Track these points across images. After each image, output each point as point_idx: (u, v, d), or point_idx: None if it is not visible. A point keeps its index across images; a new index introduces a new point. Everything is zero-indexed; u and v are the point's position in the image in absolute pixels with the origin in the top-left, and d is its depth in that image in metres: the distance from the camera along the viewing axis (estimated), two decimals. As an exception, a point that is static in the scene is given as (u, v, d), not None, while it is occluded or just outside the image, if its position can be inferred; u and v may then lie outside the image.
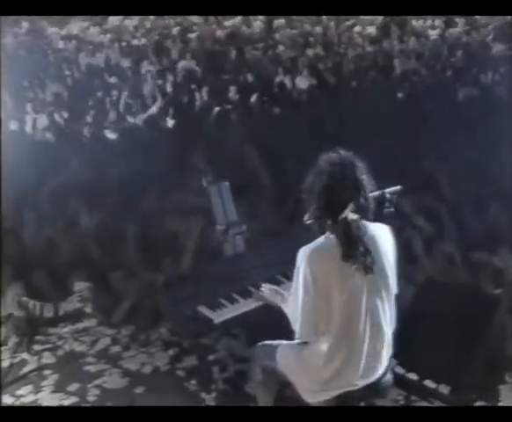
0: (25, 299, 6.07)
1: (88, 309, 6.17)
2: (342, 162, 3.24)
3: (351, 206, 3.18)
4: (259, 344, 3.76)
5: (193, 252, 5.97)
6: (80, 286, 6.20)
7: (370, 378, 3.36)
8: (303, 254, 3.25)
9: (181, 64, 12.80)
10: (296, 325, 3.35)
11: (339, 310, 3.22)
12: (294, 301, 3.34)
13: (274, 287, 3.86)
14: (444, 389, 4.61)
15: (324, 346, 3.30)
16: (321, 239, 3.25)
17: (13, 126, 10.40)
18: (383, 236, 3.33)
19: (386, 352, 3.40)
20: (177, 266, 5.94)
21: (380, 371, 3.39)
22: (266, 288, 3.87)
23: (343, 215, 3.16)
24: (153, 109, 10.95)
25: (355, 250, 3.16)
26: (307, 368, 3.40)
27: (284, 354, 3.56)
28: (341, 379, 3.33)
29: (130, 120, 10.73)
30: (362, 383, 3.35)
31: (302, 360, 3.43)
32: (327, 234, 3.25)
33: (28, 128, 10.58)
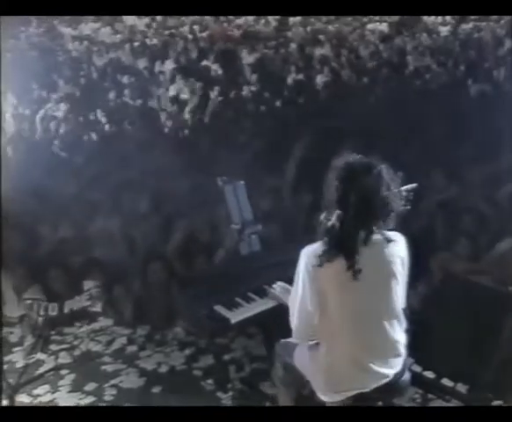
0: (28, 302, 6.10)
1: (97, 308, 6.18)
2: (377, 173, 3.18)
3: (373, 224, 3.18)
4: (282, 341, 3.75)
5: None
6: (89, 285, 6.21)
7: (383, 380, 3.34)
8: (303, 254, 3.24)
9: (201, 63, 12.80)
10: (293, 323, 3.37)
11: (341, 314, 3.21)
12: (293, 300, 3.36)
13: (287, 285, 3.85)
14: (462, 388, 4.60)
15: (328, 351, 3.30)
16: (325, 240, 3.20)
17: (24, 127, 10.45)
18: (392, 247, 3.25)
19: (395, 354, 3.37)
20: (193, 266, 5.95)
21: (392, 373, 3.36)
22: (278, 286, 3.86)
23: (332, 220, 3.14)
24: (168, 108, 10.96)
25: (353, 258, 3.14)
26: (321, 369, 3.38)
27: (300, 354, 3.55)
28: (348, 383, 3.32)
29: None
30: (374, 385, 3.33)
31: (316, 360, 3.41)
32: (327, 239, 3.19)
33: (40, 129, 10.60)
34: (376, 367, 3.29)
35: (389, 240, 3.25)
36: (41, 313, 6.05)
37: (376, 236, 3.22)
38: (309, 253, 3.22)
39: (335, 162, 3.25)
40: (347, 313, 3.22)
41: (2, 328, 5.73)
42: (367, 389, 3.32)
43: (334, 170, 3.22)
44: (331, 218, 3.19)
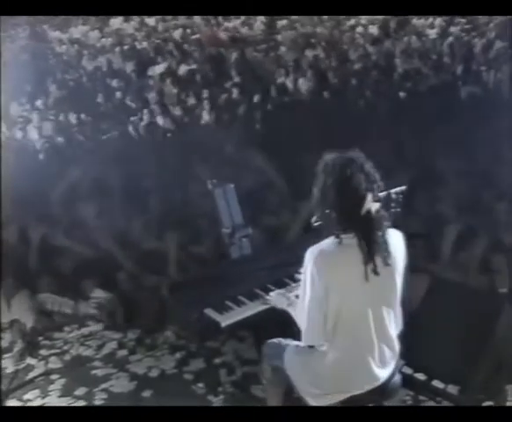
0: (44, 295, 6.10)
1: (102, 318, 6.18)
2: (352, 156, 3.17)
3: (370, 196, 3.11)
4: (270, 341, 3.74)
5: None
6: (99, 294, 6.20)
7: (376, 382, 3.34)
8: (310, 254, 3.17)
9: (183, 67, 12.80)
10: (303, 328, 3.31)
11: (346, 315, 3.19)
12: (301, 303, 3.29)
13: (282, 290, 3.83)
14: (453, 390, 4.61)
15: (329, 352, 3.28)
16: (330, 240, 3.16)
17: (16, 131, 10.42)
18: (394, 242, 3.24)
19: (392, 356, 3.37)
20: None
21: (385, 375, 3.36)
22: (274, 294, 3.82)
23: (365, 209, 3.09)
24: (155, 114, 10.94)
25: (378, 245, 3.10)
26: (311, 373, 3.38)
27: (290, 357, 3.53)
28: (347, 384, 3.31)
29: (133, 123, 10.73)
30: (367, 387, 3.33)
31: (306, 365, 3.41)
32: (343, 235, 3.14)
33: (31, 134, 10.57)
34: (375, 368, 3.29)
35: (392, 235, 3.25)
36: (55, 309, 6.06)
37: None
38: (317, 252, 3.15)
39: (321, 163, 3.23)
40: (357, 310, 3.20)
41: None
42: (360, 391, 3.32)
43: (323, 171, 3.20)
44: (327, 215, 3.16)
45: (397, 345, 3.38)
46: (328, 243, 3.17)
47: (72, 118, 10.83)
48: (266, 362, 3.75)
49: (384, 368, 3.34)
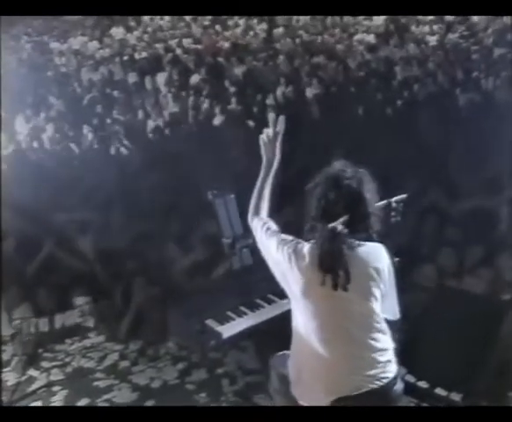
0: (17, 322, 6.09)
1: (90, 324, 6.17)
2: (342, 173, 3.22)
3: (344, 218, 3.14)
4: (278, 354, 3.75)
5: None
6: (80, 301, 6.20)
7: (372, 385, 3.33)
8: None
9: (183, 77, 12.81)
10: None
11: (320, 321, 3.22)
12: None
13: None
14: (456, 397, 4.59)
15: (315, 354, 3.30)
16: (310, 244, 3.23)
17: (16, 143, 10.41)
18: (373, 257, 3.24)
19: (380, 362, 3.35)
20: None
21: (387, 376, 3.36)
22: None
23: (330, 225, 3.12)
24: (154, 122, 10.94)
25: (331, 263, 3.12)
26: (303, 376, 3.40)
27: (290, 362, 3.54)
28: (330, 389, 3.32)
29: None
30: (354, 393, 3.32)
31: (298, 369, 3.43)
32: (312, 241, 3.21)
33: (30, 144, 10.56)
34: (361, 374, 3.30)
35: (372, 250, 3.25)
36: (32, 331, 6.04)
37: (359, 247, 3.21)
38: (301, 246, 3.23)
39: (318, 176, 3.29)
40: (331, 320, 3.22)
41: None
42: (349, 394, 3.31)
43: (316, 183, 3.27)
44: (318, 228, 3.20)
45: (388, 352, 3.36)
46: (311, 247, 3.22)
47: (73, 130, 10.82)
48: (273, 372, 3.76)
49: (370, 375, 3.32)
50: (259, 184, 3.65)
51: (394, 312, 3.41)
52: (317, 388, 3.35)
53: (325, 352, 3.27)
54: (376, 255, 3.26)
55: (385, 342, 3.36)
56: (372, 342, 3.30)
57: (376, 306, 3.26)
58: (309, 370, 3.36)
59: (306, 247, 3.22)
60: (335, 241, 3.11)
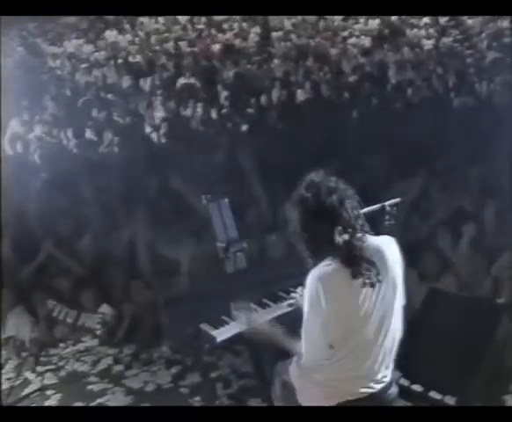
0: (51, 302, 6.10)
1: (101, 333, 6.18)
2: (311, 192, 3.19)
3: (338, 229, 3.15)
4: (284, 361, 3.72)
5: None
6: (105, 310, 6.19)
7: (375, 388, 3.35)
8: (312, 277, 3.20)
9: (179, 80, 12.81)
10: (303, 349, 3.34)
11: (351, 327, 3.21)
12: (306, 326, 3.30)
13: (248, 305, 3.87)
14: (450, 400, 4.59)
15: (328, 361, 3.28)
16: (327, 262, 3.19)
17: (15, 146, 10.40)
18: (389, 248, 3.29)
19: (392, 362, 3.39)
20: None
21: (386, 380, 3.37)
22: (241, 314, 3.83)
23: (340, 239, 3.13)
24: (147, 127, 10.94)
25: (360, 266, 3.14)
26: (308, 382, 3.40)
27: (291, 369, 3.55)
28: (347, 390, 3.32)
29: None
30: (367, 391, 3.33)
31: (304, 375, 3.43)
32: (330, 258, 3.18)
33: (30, 148, 10.55)
34: (380, 374, 3.32)
35: (385, 242, 3.30)
36: (60, 317, 6.05)
37: (373, 241, 3.24)
38: (318, 274, 3.17)
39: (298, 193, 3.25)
40: (363, 321, 3.21)
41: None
42: (359, 396, 3.32)
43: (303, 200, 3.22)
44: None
45: (393, 354, 3.38)
46: (326, 263, 3.19)
47: (70, 133, 10.80)
48: (277, 380, 3.76)
49: (385, 374, 3.36)
50: None
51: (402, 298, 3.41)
52: (322, 396, 3.36)
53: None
54: (393, 247, 3.32)
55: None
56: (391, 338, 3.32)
57: (401, 295, 3.32)
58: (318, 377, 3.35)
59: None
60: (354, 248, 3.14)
